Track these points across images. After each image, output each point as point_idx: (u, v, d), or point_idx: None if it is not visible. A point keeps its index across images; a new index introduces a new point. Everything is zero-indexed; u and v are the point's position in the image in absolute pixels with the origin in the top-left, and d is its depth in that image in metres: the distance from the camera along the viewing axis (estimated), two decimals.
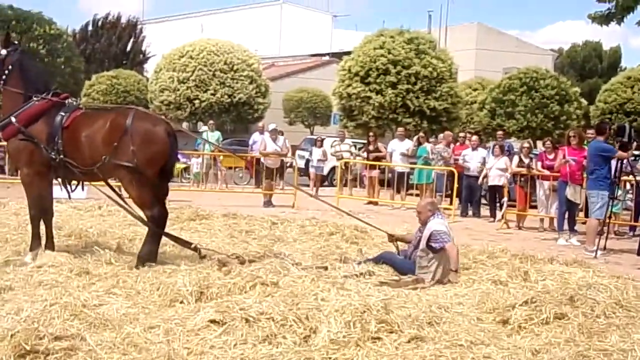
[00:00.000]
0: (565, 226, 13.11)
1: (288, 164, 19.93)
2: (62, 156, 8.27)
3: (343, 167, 18.73)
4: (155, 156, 8.22)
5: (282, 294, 6.50)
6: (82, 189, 8.93)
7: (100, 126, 8.23)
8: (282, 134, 18.67)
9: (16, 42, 9.36)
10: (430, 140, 18.68)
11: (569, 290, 7.10)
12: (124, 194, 9.09)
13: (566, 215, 13.08)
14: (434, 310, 6.45)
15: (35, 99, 8.50)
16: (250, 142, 21.29)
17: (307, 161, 22.29)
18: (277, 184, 17.75)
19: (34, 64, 9.14)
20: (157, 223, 8.40)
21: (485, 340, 5.81)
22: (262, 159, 17.57)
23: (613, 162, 12.02)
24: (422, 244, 8.31)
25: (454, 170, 16.24)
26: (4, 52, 8.66)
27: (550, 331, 6.12)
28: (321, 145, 21.05)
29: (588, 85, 44.13)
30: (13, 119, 8.39)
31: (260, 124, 20.83)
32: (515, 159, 15.33)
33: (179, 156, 20.23)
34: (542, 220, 14.85)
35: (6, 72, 8.59)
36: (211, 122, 22.72)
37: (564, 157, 13.15)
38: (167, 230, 8.90)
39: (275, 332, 5.61)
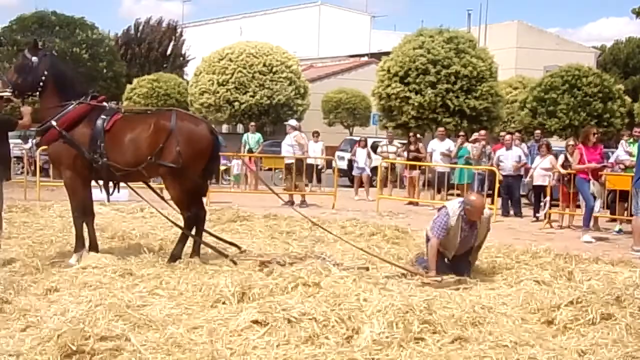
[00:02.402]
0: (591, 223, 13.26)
1: (320, 166, 19.82)
2: (105, 159, 8.38)
3: (384, 168, 18.64)
4: (200, 155, 8.41)
5: (324, 295, 6.46)
6: (118, 190, 9.00)
7: (145, 129, 8.36)
8: (299, 129, 18.32)
9: (41, 46, 9.36)
10: (469, 140, 18.49)
11: (615, 291, 6.95)
12: (166, 195, 9.24)
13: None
14: (477, 311, 6.37)
15: (74, 102, 8.54)
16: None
17: (350, 162, 21.91)
18: (306, 184, 17.70)
19: (67, 67, 9.17)
20: (192, 225, 8.68)
21: (530, 341, 5.72)
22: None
23: None
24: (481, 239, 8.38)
25: (495, 169, 16.08)
26: (35, 59, 8.58)
27: (597, 332, 6.00)
28: (365, 146, 20.57)
29: (632, 82, 43.40)
30: (54, 123, 8.45)
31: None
32: (561, 158, 15.13)
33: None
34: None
35: (43, 78, 8.57)
36: (252, 124, 22.78)
37: (580, 155, 13.07)
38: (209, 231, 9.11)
39: (317, 333, 5.59)
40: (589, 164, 12.89)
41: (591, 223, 13.21)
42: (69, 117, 8.49)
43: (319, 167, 19.80)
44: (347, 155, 24.65)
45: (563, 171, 14.66)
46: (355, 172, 20.46)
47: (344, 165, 23.90)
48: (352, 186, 20.75)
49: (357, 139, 23.46)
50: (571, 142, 16.20)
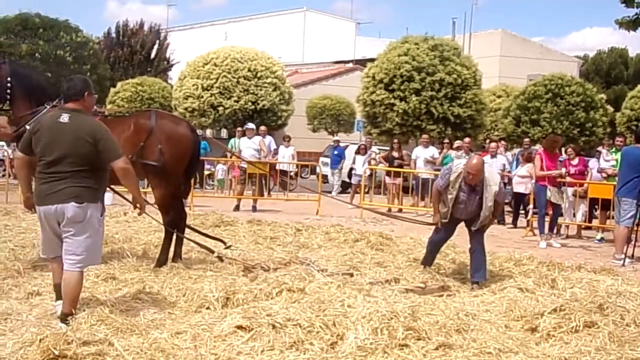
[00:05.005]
0: (546, 229, 13.22)
1: (291, 172, 19.74)
2: None
3: (367, 175, 18.64)
4: (182, 153, 8.44)
5: (309, 300, 6.47)
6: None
7: (125, 129, 8.33)
8: (258, 134, 18.37)
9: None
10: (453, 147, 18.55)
11: (598, 298, 7.01)
12: (149, 199, 9.19)
13: (546, 218, 13.21)
14: (461, 318, 6.39)
15: (47, 106, 8.33)
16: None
17: (351, 170, 21.23)
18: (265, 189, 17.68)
19: (31, 71, 9.02)
20: (174, 228, 8.61)
21: (513, 348, 5.75)
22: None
23: None
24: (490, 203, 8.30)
25: None
26: None
27: (580, 339, 6.03)
28: (364, 153, 19.90)
29: (614, 92, 43.68)
30: (29, 128, 8.32)
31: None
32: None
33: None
34: (567, 227, 14.70)
35: (8, 85, 8.33)
36: (239, 129, 22.66)
37: (541, 160, 13.10)
38: (194, 235, 9.06)
39: (302, 339, 5.59)
40: (550, 171, 12.98)
41: (546, 229, 13.17)
42: None
43: (290, 172, 19.78)
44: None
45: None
46: (354, 180, 19.91)
47: (327, 171, 23.86)
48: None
49: (343, 145, 23.44)
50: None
